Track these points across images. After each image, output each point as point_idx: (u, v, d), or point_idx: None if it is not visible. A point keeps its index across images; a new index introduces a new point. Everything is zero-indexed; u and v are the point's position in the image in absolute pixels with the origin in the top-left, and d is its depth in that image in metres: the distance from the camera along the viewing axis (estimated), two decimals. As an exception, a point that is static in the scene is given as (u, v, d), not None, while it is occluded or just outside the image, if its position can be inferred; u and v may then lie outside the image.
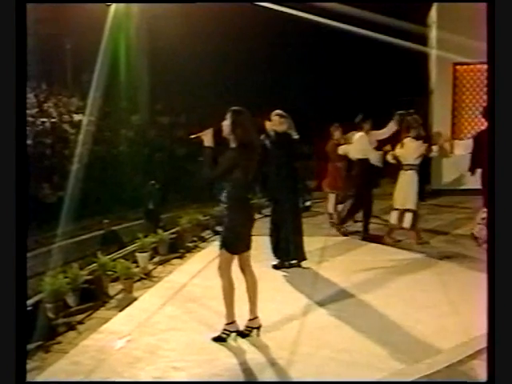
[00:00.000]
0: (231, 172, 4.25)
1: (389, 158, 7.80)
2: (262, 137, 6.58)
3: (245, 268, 4.51)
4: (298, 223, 6.64)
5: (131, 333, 4.71)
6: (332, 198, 9.03)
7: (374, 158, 7.94)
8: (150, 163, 14.55)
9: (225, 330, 4.42)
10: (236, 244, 4.42)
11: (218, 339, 4.39)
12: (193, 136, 4.44)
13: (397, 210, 7.69)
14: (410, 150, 7.53)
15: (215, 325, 4.58)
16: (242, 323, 4.52)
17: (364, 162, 7.91)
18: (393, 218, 7.75)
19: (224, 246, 4.40)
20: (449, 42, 10.67)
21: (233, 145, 4.29)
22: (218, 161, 4.27)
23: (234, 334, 4.43)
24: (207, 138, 4.31)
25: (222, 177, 4.30)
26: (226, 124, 4.32)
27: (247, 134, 4.30)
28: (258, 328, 4.50)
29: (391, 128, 8.69)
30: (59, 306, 5.06)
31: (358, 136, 8.03)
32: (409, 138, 7.56)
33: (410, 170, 7.55)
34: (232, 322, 4.43)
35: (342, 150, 8.49)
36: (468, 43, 9.61)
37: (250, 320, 4.51)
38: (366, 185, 7.99)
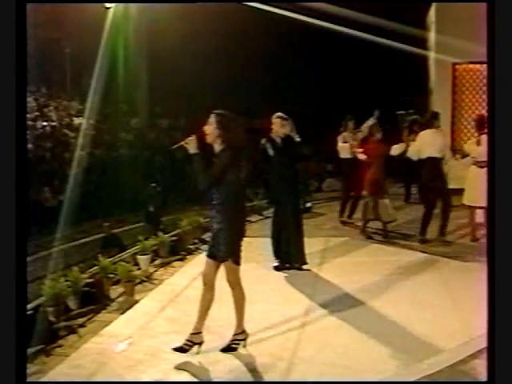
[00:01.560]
0: (226, 174, 4.07)
1: (457, 155, 7.65)
2: (263, 140, 6.60)
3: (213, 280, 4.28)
4: (298, 225, 6.64)
5: (132, 335, 4.71)
6: (383, 203, 8.00)
7: (449, 155, 7.68)
8: (150, 166, 14.56)
9: (235, 340, 4.31)
10: (240, 252, 4.22)
11: (228, 350, 4.26)
12: (175, 146, 4.29)
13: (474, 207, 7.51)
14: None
15: (215, 327, 4.57)
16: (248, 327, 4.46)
17: (438, 160, 7.57)
18: (479, 215, 7.56)
19: (229, 256, 4.15)
20: (448, 42, 10.67)
21: (220, 147, 4.13)
22: (211, 165, 4.10)
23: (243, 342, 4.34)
24: (192, 145, 4.11)
25: (219, 180, 4.08)
26: (211, 128, 4.14)
27: (234, 136, 4.14)
28: (200, 344, 4.30)
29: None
30: (60, 310, 5.05)
31: (430, 133, 7.65)
32: (485, 135, 7.49)
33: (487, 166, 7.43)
34: (243, 331, 4.33)
35: (398, 148, 8.08)
36: (467, 43, 9.61)
37: (194, 334, 4.28)
38: (445, 184, 7.68)
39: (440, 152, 7.59)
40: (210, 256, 4.24)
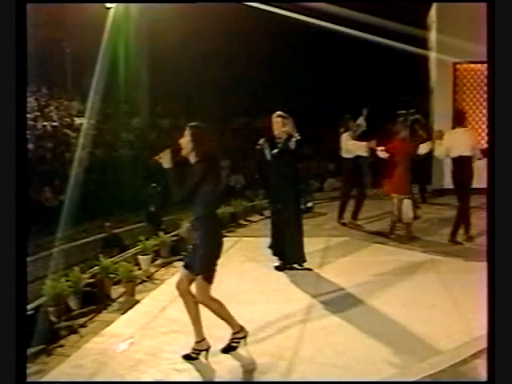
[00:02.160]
0: (201, 187, 4.04)
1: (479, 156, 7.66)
2: (262, 141, 6.59)
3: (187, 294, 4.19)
4: (299, 225, 6.63)
5: (133, 335, 4.71)
6: (408, 203, 7.92)
7: (479, 155, 7.52)
8: (151, 166, 14.55)
9: (235, 338, 4.28)
10: (214, 270, 4.10)
11: (229, 349, 4.25)
12: (150, 161, 4.29)
13: None
14: None
15: (216, 327, 4.57)
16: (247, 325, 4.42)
17: (469, 159, 7.44)
18: None
19: (202, 272, 4.05)
20: (448, 41, 10.67)
21: (195, 160, 4.10)
22: (186, 178, 4.07)
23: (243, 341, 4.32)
24: (165, 159, 4.09)
25: (193, 193, 4.05)
26: (186, 141, 4.12)
27: (208, 148, 4.11)
28: (207, 350, 4.24)
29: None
30: (61, 310, 5.07)
31: (461, 131, 7.57)
32: None
33: None
34: (242, 329, 4.29)
35: (425, 148, 7.96)
36: (468, 43, 9.61)
37: (198, 342, 4.25)
38: (470, 184, 7.52)
39: (471, 151, 7.47)
40: (185, 266, 4.21)
